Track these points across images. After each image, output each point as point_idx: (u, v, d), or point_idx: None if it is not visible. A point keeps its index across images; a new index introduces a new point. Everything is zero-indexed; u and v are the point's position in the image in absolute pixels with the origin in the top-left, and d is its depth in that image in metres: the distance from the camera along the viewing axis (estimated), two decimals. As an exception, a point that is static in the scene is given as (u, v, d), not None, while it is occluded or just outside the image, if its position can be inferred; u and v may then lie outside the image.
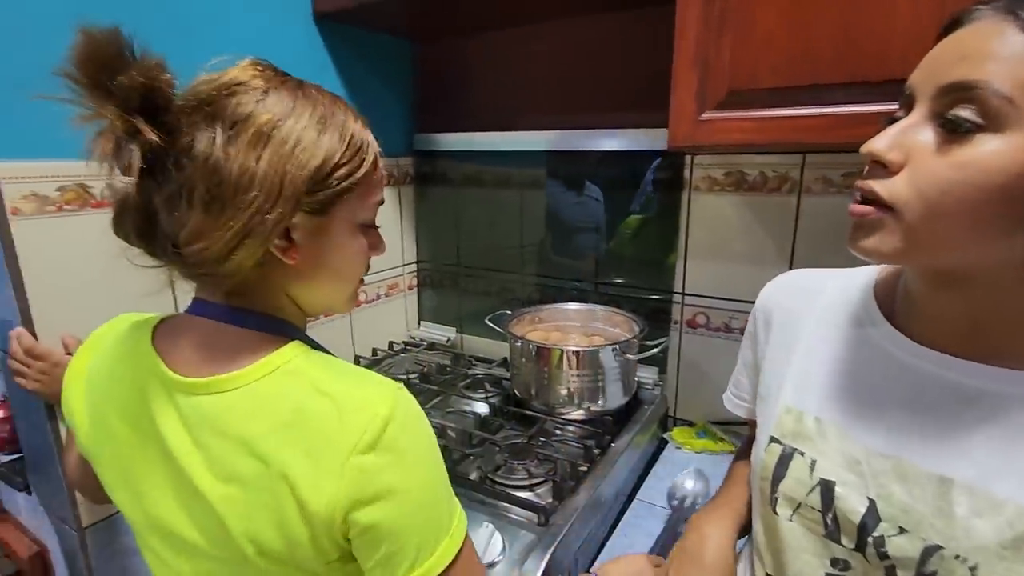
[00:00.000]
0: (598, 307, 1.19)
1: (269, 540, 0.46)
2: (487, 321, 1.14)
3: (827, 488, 0.49)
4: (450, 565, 0.47)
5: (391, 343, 1.44)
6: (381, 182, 0.55)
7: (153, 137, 0.42)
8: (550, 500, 0.81)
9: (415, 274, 1.55)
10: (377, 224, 0.56)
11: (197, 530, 0.50)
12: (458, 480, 0.85)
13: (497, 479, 0.86)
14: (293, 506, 0.45)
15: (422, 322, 1.57)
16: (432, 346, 1.45)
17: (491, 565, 0.72)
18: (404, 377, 1.22)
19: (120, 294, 0.85)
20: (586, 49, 1.20)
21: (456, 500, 0.51)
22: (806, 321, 0.57)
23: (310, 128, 0.47)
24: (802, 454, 0.51)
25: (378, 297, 1.43)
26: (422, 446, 0.48)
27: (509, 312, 1.16)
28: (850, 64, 0.68)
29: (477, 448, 0.95)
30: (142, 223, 0.47)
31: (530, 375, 1.04)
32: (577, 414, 1.03)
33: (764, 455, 0.54)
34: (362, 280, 0.58)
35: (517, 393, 1.09)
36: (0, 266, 0.77)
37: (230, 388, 0.47)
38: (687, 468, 0.92)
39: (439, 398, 1.14)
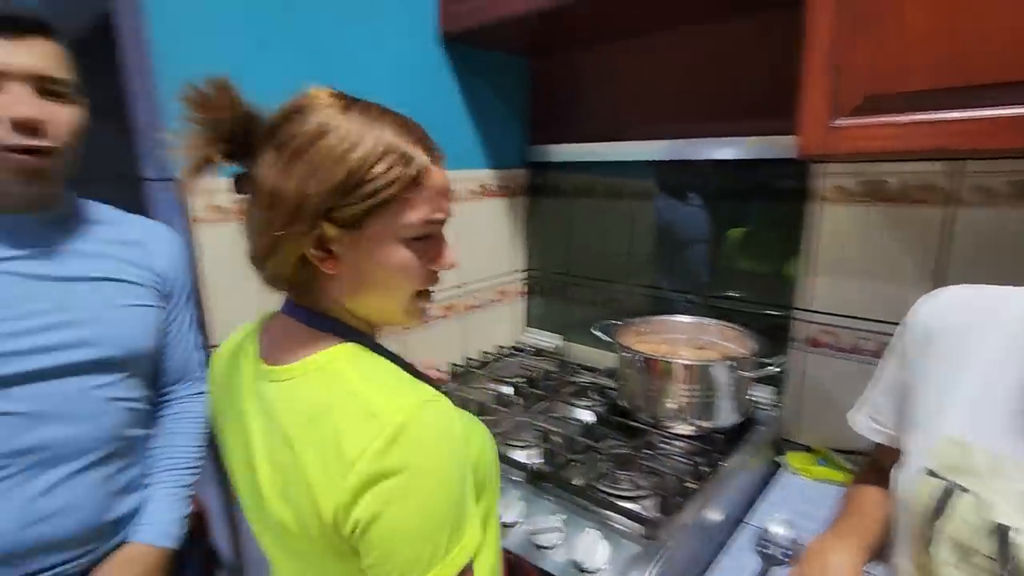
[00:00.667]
0: (709, 320, 1.15)
1: (294, 527, 0.51)
2: (594, 330, 1.15)
3: (1003, 534, 0.43)
4: None
5: (499, 347, 1.50)
6: (432, 198, 0.53)
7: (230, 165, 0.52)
8: (656, 514, 0.80)
9: (524, 281, 1.59)
10: (439, 237, 0.56)
11: (252, 503, 0.58)
12: (562, 484, 0.87)
13: (601, 487, 0.86)
14: (309, 503, 0.48)
15: (529, 328, 1.61)
16: (539, 352, 1.49)
17: (595, 572, 0.73)
18: (512, 381, 1.26)
19: (262, 292, 0.99)
20: (700, 58, 1.18)
21: (468, 530, 0.49)
22: (983, 342, 0.51)
23: (340, 145, 0.49)
24: (965, 490, 0.46)
25: (488, 302, 1.49)
26: (432, 466, 0.47)
27: (617, 322, 1.16)
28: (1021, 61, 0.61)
29: (581, 455, 0.96)
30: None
31: (638, 386, 1.04)
32: (685, 429, 1.00)
33: (915, 487, 0.49)
34: (424, 293, 0.57)
35: (623, 403, 1.09)
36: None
37: (284, 379, 0.53)
38: (779, 513, 0.83)
39: (545, 403, 1.17)
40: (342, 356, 0.52)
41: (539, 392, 1.20)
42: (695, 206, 1.26)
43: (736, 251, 1.19)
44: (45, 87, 0.67)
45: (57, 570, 0.74)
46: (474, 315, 1.46)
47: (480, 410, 1.12)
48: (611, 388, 1.21)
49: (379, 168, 0.49)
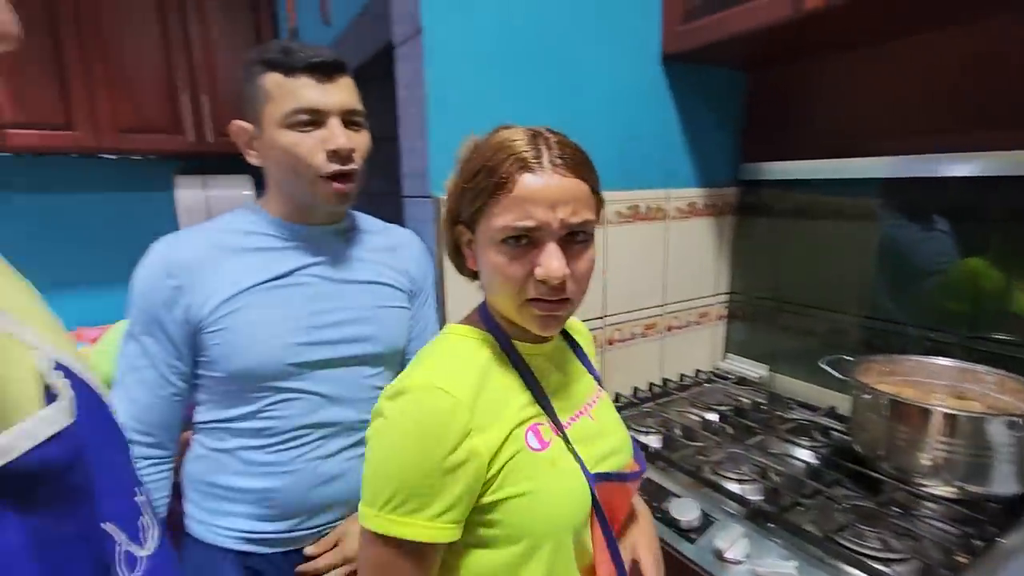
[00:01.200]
0: (982, 367, 0.97)
1: None
2: (823, 364, 1.05)
3: None
4: (368, 534, 0.53)
5: (698, 371, 1.44)
6: (517, 204, 0.53)
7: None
8: (915, 583, 0.70)
9: (726, 305, 1.51)
10: (540, 244, 0.54)
11: None
12: (789, 527, 0.81)
13: (843, 540, 0.77)
14: None
15: (728, 354, 1.52)
16: (742, 381, 1.40)
17: (841, 633, 0.65)
18: (717, 408, 1.20)
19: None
20: (941, 65, 1.04)
21: (426, 510, 0.51)
22: None
23: (464, 161, 0.60)
24: None
25: (688, 324, 1.44)
26: (399, 426, 0.53)
27: (850, 357, 1.05)
28: None
29: (808, 499, 0.88)
30: None
31: (881, 433, 0.92)
32: (945, 491, 0.86)
33: None
34: (534, 302, 0.56)
35: (858, 449, 0.97)
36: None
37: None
38: None
39: (757, 437, 1.09)
40: (460, 332, 0.62)
41: (749, 424, 1.12)
42: (935, 229, 1.09)
43: (1002, 283, 0.99)
44: (349, 118, 0.80)
45: (325, 528, 0.87)
46: (673, 336, 1.42)
47: (685, 434, 1.08)
48: (837, 430, 1.09)
49: (478, 177, 0.56)
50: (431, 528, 0.51)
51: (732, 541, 0.79)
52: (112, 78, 1.96)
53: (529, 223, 0.53)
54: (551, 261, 0.53)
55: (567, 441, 0.59)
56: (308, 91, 0.77)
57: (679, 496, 0.90)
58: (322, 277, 0.85)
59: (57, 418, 0.28)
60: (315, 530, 0.86)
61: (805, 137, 1.31)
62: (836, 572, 0.73)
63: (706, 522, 0.85)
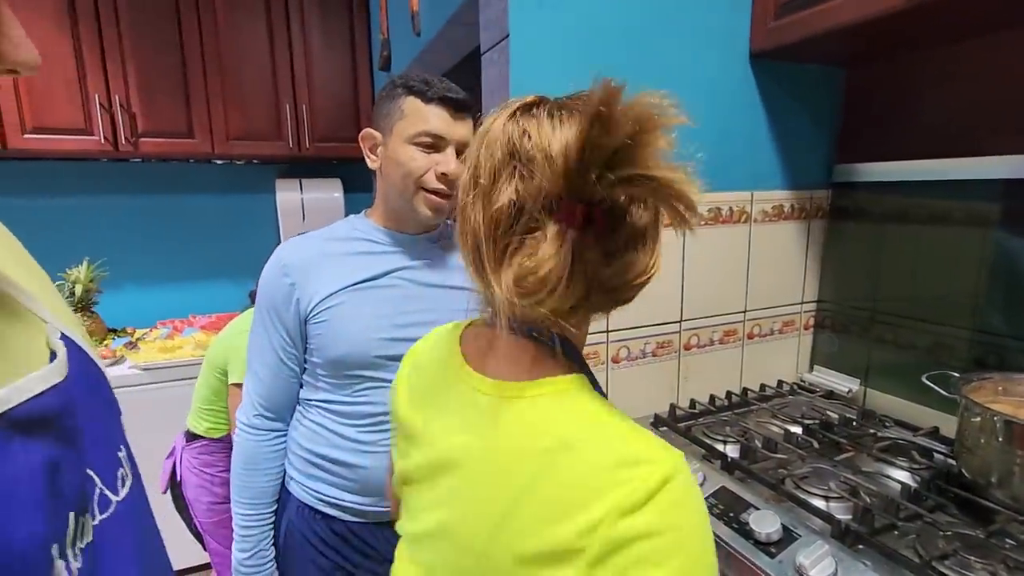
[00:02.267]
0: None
1: (474, 552, 0.46)
2: (925, 380, 0.97)
3: None
4: None
5: (780, 382, 1.37)
6: None
7: None
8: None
9: (813, 314, 1.43)
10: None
11: (419, 505, 0.55)
12: (883, 550, 0.75)
13: (947, 571, 0.71)
14: (514, 539, 0.43)
15: (815, 367, 1.44)
16: (830, 395, 1.32)
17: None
18: (801, 421, 1.14)
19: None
20: None
21: None
22: None
23: None
24: None
25: (771, 333, 1.38)
26: (698, 527, 0.42)
27: (957, 374, 0.96)
28: None
29: (906, 523, 0.81)
30: None
31: (993, 457, 0.84)
32: (1071, 525, 0.77)
33: None
34: None
35: (966, 474, 0.89)
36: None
37: (510, 395, 0.48)
38: None
39: (846, 454, 1.02)
40: (582, 387, 0.48)
41: (838, 439, 1.06)
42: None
43: None
44: (461, 150, 0.88)
45: None
46: (755, 345, 1.36)
47: (766, 445, 1.04)
48: (940, 452, 1.00)
49: None
50: None
51: (817, 559, 0.75)
52: (226, 91, 2.16)
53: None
54: None
55: None
56: (438, 120, 0.86)
57: (758, 508, 0.87)
58: (411, 280, 0.93)
59: (54, 374, 0.35)
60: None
61: (909, 136, 1.22)
62: (935, 602, 0.68)
63: (788, 537, 0.81)
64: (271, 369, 0.92)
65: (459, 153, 0.88)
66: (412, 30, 1.67)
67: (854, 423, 1.15)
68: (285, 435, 0.97)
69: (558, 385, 0.48)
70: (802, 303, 1.41)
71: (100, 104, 1.98)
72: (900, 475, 0.96)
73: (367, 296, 0.89)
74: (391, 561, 0.80)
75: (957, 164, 1.12)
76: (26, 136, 1.93)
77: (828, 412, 1.20)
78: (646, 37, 1.10)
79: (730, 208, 1.25)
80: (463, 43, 1.57)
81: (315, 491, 0.93)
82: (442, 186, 0.88)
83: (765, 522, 0.82)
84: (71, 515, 0.34)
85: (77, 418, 0.37)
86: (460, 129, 0.88)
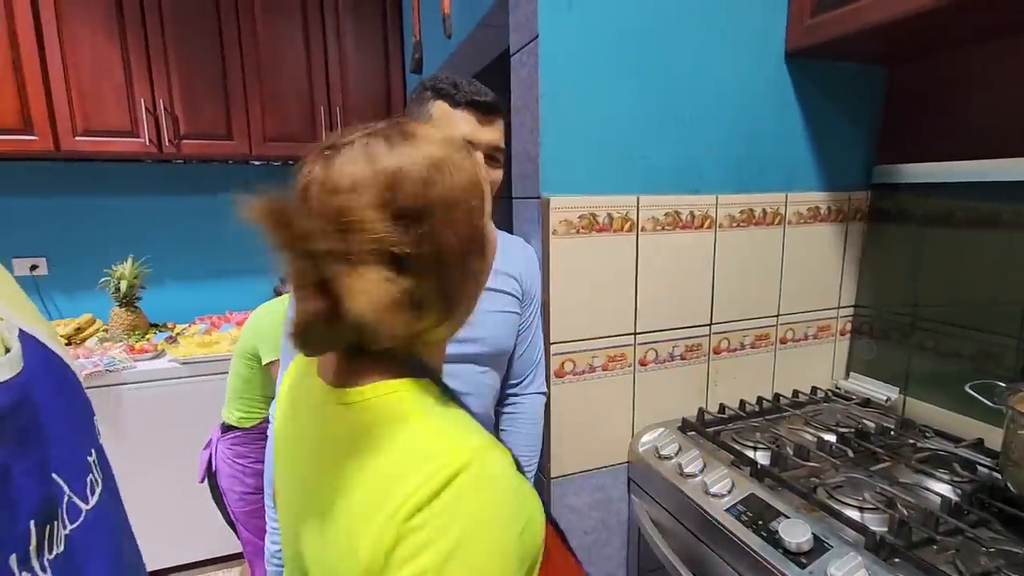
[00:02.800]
0: None
1: (327, 563, 0.46)
2: (969, 389, 0.93)
3: None
4: None
5: (814, 388, 1.34)
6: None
7: None
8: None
9: (850, 319, 1.39)
10: None
11: (291, 530, 0.55)
12: (920, 565, 0.73)
13: (985, 585, 0.69)
14: (347, 544, 0.43)
15: (852, 374, 1.40)
16: (867, 403, 1.27)
17: None
18: (835, 429, 1.11)
19: (603, 298, 1.07)
20: None
21: None
22: None
23: (452, 179, 0.48)
24: None
25: (805, 338, 1.35)
26: (490, 518, 0.41)
27: (1003, 384, 0.92)
28: None
29: (946, 537, 0.78)
30: None
31: (1040, 470, 0.80)
32: None
33: None
34: None
35: (1011, 488, 0.85)
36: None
37: (348, 401, 0.48)
38: None
39: (882, 464, 0.99)
40: (413, 389, 0.48)
41: (874, 448, 1.03)
42: None
43: None
44: (491, 154, 0.88)
45: None
46: (788, 350, 1.33)
47: (798, 453, 1.01)
48: (984, 465, 0.96)
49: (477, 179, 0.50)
50: None
51: (849, 571, 0.73)
52: (264, 95, 2.22)
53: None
54: None
55: None
56: (466, 124, 0.86)
57: (788, 517, 0.85)
58: None
59: (3, 369, 0.33)
60: None
61: (953, 136, 1.17)
62: (976, 620, 0.65)
63: (819, 547, 0.79)
64: None
65: (488, 157, 0.88)
66: (443, 32, 1.68)
67: (892, 432, 1.11)
68: None
69: (378, 390, 0.48)
70: (839, 308, 1.37)
71: (146, 108, 2.06)
72: (940, 488, 0.92)
73: None
74: None
75: (1003, 165, 1.07)
76: (77, 138, 2.02)
77: (864, 420, 1.16)
78: (677, 37, 1.09)
79: (763, 210, 1.23)
80: (493, 45, 1.58)
81: None
82: None
83: (795, 531, 0.80)
84: (31, 524, 0.32)
85: (39, 418, 0.35)
86: (488, 134, 0.88)
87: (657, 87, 1.09)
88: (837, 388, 1.37)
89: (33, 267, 2.30)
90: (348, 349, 0.50)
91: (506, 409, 1.05)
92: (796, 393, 1.31)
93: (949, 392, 1.16)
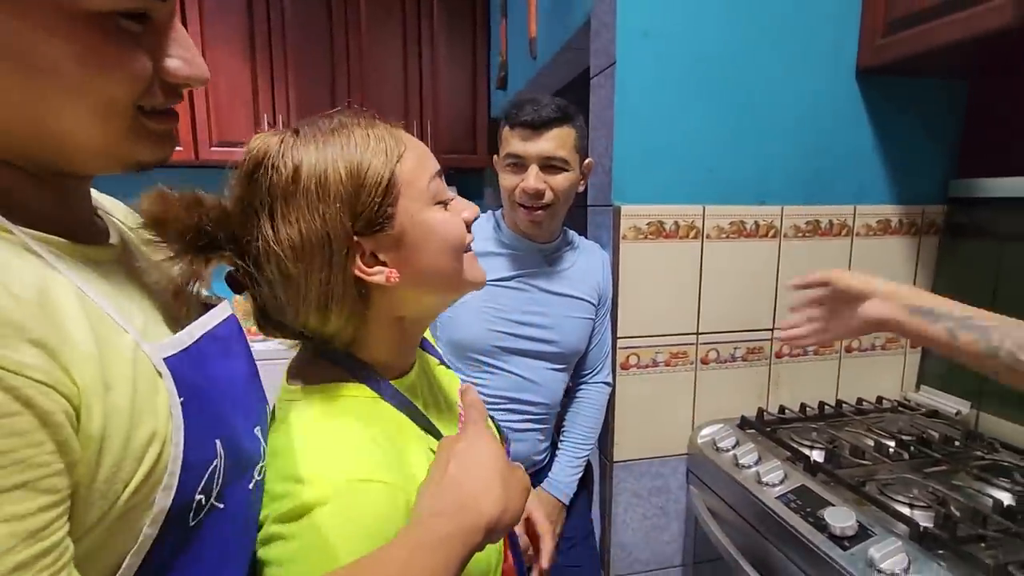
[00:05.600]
0: None
1: None
2: (1031, 399, 0.95)
3: None
4: None
5: (879, 398, 1.35)
6: (422, 159, 0.54)
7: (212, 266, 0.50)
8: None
9: (923, 331, 1.39)
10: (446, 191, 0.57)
11: None
12: (962, 555, 0.78)
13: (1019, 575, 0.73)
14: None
15: (923, 387, 1.40)
16: (934, 414, 1.28)
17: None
18: (896, 435, 1.14)
19: (667, 299, 1.17)
20: None
21: None
22: None
23: (322, 167, 0.48)
24: None
25: (872, 348, 1.37)
26: (324, 552, 0.43)
27: (1070, 396, 0.93)
28: None
29: (992, 534, 0.82)
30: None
31: (1097, 479, 0.82)
32: None
33: None
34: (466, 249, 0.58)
35: (1069, 497, 0.87)
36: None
37: (284, 399, 0.54)
38: None
39: (940, 468, 1.02)
40: (323, 400, 0.52)
41: (933, 455, 1.05)
42: None
43: None
44: (547, 163, 1.00)
45: None
46: (854, 359, 1.36)
47: (853, 452, 1.06)
48: (1048, 476, 0.97)
49: (365, 163, 0.49)
50: None
51: (889, 553, 0.79)
52: (368, 106, 2.47)
53: (435, 168, 0.56)
54: (464, 205, 0.59)
55: None
56: (516, 142, 1.00)
57: (835, 505, 0.91)
58: (535, 286, 1.08)
59: (227, 307, 0.49)
60: None
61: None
62: (1011, 607, 0.70)
63: (863, 533, 0.85)
64: None
65: (547, 168, 0.99)
66: (529, 54, 1.84)
67: (956, 443, 1.12)
68: None
69: (295, 395, 0.53)
70: (909, 320, 1.38)
71: (268, 121, 2.37)
72: (998, 494, 0.94)
73: (497, 293, 1.05)
74: None
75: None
76: (212, 148, 2.36)
77: (929, 430, 1.18)
78: (747, 60, 1.17)
79: (830, 221, 1.27)
80: (574, 65, 1.71)
81: None
82: (528, 202, 1.01)
83: (840, 516, 0.87)
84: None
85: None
86: (538, 146, 0.98)
87: (726, 106, 1.17)
88: (906, 400, 1.37)
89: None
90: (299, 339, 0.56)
91: (574, 395, 1.18)
92: (860, 401, 1.33)
93: (1022, 407, 1.15)
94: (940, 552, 0.80)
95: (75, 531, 0.32)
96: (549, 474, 1.13)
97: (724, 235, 1.22)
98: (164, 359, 0.39)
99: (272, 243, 0.48)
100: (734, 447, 1.16)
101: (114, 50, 0.35)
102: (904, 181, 1.31)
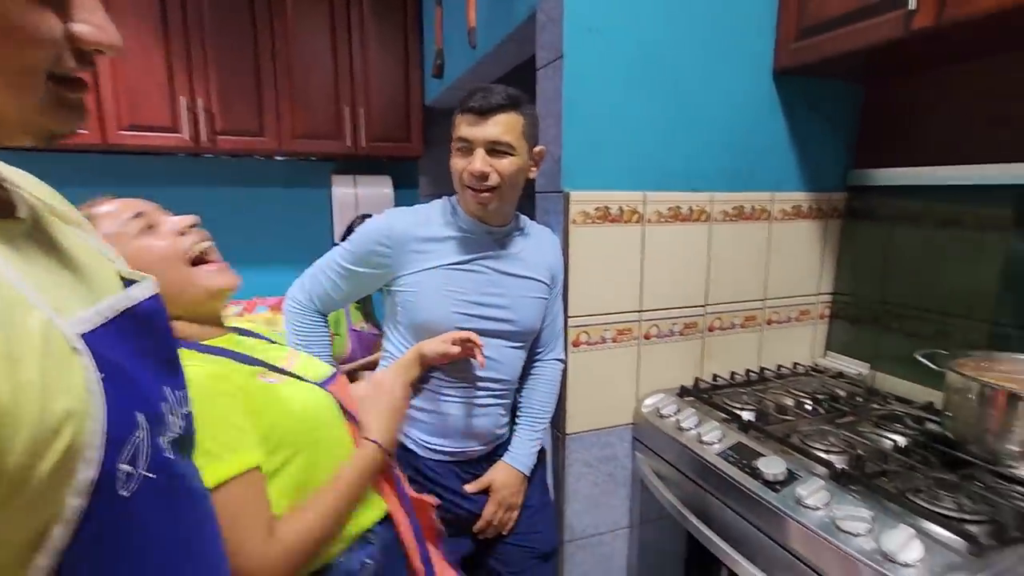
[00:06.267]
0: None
1: None
2: (917, 355, 1.12)
3: None
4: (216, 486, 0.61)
5: (795, 364, 1.52)
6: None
7: None
8: (990, 540, 0.78)
9: (828, 305, 1.58)
10: None
11: None
12: (871, 487, 0.91)
13: (918, 500, 0.87)
14: None
15: (830, 352, 1.59)
16: (840, 375, 1.46)
17: (905, 565, 0.76)
18: (811, 394, 1.30)
19: (613, 280, 1.25)
20: None
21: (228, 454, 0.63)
22: None
23: None
24: None
25: (788, 320, 1.53)
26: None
27: (944, 352, 1.11)
28: None
29: (893, 467, 0.97)
30: None
31: (972, 418, 0.98)
32: (1033, 473, 0.92)
33: None
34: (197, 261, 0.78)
35: (949, 435, 1.04)
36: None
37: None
38: None
39: (847, 418, 1.18)
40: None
41: (842, 408, 1.21)
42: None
43: None
44: (493, 147, 1.04)
45: (475, 450, 1.15)
46: (773, 330, 1.52)
47: (778, 410, 1.20)
48: (930, 419, 1.15)
49: None
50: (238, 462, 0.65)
51: (813, 491, 0.91)
52: (294, 94, 2.39)
53: None
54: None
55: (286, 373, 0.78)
56: (464, 127, 1.04)
57: (766, 456, 1.03)
58: (490, 268, 1.12)
59: (151, 286, 0.50)
60: (464, 449, 1.14)
61: (923, 145, 1.36)
62: (912, 522, 0.83)
63: (791, 478, 0.98)
64: (320, 283, 1.15)
65: (492, 152, 1.03)
66: (468, 43, 1.86)
67: (859, 398, 1.30)
68: (324, 321, 1.19)
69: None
70: (818, 294, 1.56)
71: (186, 106, 2.23)
72: (895, 437, 1.11)
73: (456, 276, 1.08)
74: (454, 491, 1.03)
75: (959, 171, 1.26)
76: (121, 132, 2.18)
77: (837, 389, 1.35)
78: (684, 56, 1.27)
79: (752, 206, 1.41)
80: (516, 55, 1.76)
81: (409, 436, 1.13)
82: (475, 183, 1.04)
83: (772, 465, 0.99)
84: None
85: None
86: (484, 131, 1.02)
87: (664, 100, 1.27)
88: (817, 364, 1.55)
89: (74, 252, 2.46)
90: None
91: (530, 372, 1.23)
92: (780, 367, 1.50)
93: (909, 366, 1.34)
94: (854, 488, 0.93)
95: None
96: (509, 448, 1.18)
97: (663, 219, 1.32)
98: (82, 335, 0.39)
99: None
100: (676, 413, 1.27)
101: (19, 11, 0.35)
102: (813, 171, 1.47)
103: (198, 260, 0.77)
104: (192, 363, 0.64)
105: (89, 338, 0.39)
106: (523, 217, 1.21)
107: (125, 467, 0.39)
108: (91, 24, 0.39)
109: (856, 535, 0.83)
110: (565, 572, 1.38)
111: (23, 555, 0.35)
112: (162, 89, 2.21)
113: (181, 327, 0.75)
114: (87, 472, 0.36)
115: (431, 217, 1.12)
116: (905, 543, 0.78)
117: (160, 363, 0.49)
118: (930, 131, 1.34)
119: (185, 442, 0.50)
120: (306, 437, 0.73)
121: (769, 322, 1.51)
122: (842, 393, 1.31)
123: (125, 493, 0.39)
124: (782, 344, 1.54)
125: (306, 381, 0.79)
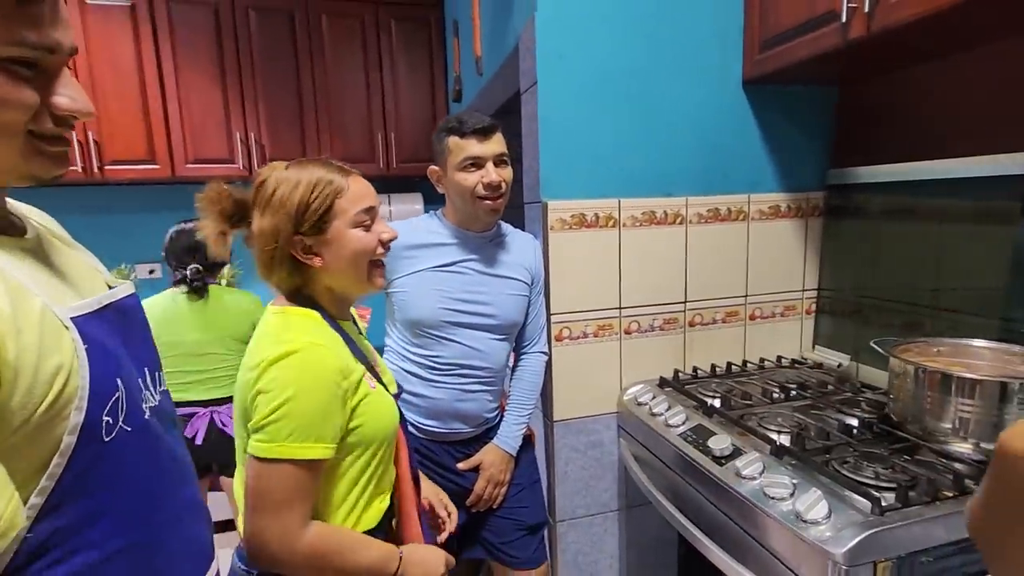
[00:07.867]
0: (1016, 347, 1.04)
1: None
2: (872, 344, 1.18)
3: None
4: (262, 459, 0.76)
5: (779, 357, 1.59)
6: (357, 198, 0.86)
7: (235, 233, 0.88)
8: (892, 501, 0.86)
9: (815, 300, 1.63)
10: (367, 222, 0.88)
11: None
12: (804, 460, 1.00)
13: (841, 469, 0.95)
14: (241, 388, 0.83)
15: (816, 347, 1.64)
16: (820, 366, 1.52)
17: (811, 522, 0.85)
18: (782, 384, 1.37)
19: (592, 280, 1.38)
20: (1009, 78, 1.09)
21: (318, 440, 0.77)
22: None
23: (287, 190, 0.82)
24: None
25: (772, 315, 1.60)
26: (294, 379, 0.77)
27: (898, 339, 1.17)
28: None
29: (834, 443, 1.05)
30: None
31: (910, 399, 1.05)
32: (963, 447, 0.97)
33: None
34: (376, 264, 0.90)
35: (893, 416, 1.10)
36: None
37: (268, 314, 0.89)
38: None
39: (806, 401, 1.26)
40: (293, 312, 0.86)
41: (806, 395, 1.29)
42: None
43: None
44: (499, 160, 1.22)
45: (465, 432, 1.31)
46: (757, 326, 1.59)
47: (743, 397, 1.29)
48: (886, 403, 1.21)
49: (315, 192, 0.83)
50: (324, 451, 0.79)
51: (750, 462, 1.01)
52: (332, 124, 2.67)
53: (368, 203, 0.88)
54: (387, 228, 0.92)
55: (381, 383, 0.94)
56: (473, 146, 1.20)
57: (718, 435, 1.13)
58: (474, 269, 1.28)
59: (129, 286, 0.65)
60: (454, 431, 1.30)
61: (897, 143, 1.40)
62: (829, 489, 0.92)
63: (736, 453, 1.07)
64: None
65: (498, 163, 1.21)
66: (476, 70, 2.05)
67: (829, 386, 1.36)
68: None
69: (273, 308, 0.89)
70: (803, 290, 1.62)
71: (240, 139, 2.55)
72: (849, 420, 1.17)
73: (444, 277, 1.25)
74: (448, 468, 1.25)
75: (932, 166, 1.30)
76: (187, 165, 2.52)
77: (810, 379, 1.41)
78: (649, 75, 1.39)
79: (728, 208, 1.51)
80: (512, 83, 1.93)
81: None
82: (491, 193, 1.21)
83: (719, 441, 1.09)
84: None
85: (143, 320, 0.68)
86: (490, 147, 1.20)
87: (634, 114, 1.40)
88: (802, 358, 1.61)
89: (151, 271, 2.83)
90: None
91: (516, 364, 1.38)
92: (762, 360, 1.57)
93: (885, 357, 1.39)
94: (792, 462, 1.02)
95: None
96: (498, 432, 1.34)
97: (638, 223, 1.44)
98: (71, 317, 0.52)
99: (257, 227, 0.85)
100: (651, 401, 1.38)
101: (5, 87, 0.47)
102: (789, 172, 1.55)
103: (375, 263, 0.92)
104: (324, 348, 0.81)
105: (77, 320, 0.52)
106: (504, 224, 1.36)
107: (107, 418, 0.52)
108: (66, 96, 0.51)
109: (780, 499, 0.93)
110: (559, 548, 1.51)
111: (31, 477, 0.48)
112: (220, 126, 2.54)
113: (328, 300, 0.90)
114: (77, 418, 0.50)
115: (419, 227, 1.30)
116: (814, 504, 0.87)
117: (137, 345, 0.64)
118: (903, 129, 1.39)
119: (165, 416, 0.65)
120: (380, 442, 0.88)
121: (752, 317, 1.58)
122: (813, 381, 1.37)
123: (107, 438, 0.52)
124: (769, 339, 1.61)
125: (389, 392, 0.94)
